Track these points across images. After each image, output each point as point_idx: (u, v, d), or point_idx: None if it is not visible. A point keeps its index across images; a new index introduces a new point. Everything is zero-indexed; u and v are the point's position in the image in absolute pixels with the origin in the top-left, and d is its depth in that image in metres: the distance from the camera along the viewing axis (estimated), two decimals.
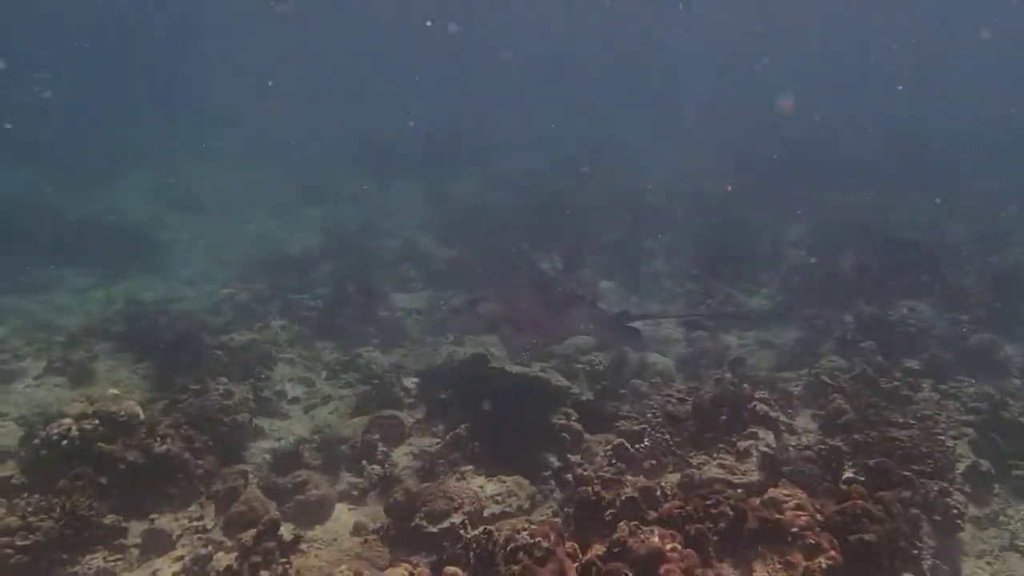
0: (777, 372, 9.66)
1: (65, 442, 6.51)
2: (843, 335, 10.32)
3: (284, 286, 14.17)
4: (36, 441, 6.68)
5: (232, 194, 24.09)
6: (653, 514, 5.14)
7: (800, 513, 5.22)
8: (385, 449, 7.14)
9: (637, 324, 8.39)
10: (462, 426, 7.10)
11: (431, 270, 15.44)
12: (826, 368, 8.59)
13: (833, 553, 4.67)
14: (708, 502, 5.25)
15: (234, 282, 14.89)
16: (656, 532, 4.72)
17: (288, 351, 10.81)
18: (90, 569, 5.45)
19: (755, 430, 6.91)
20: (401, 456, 7.11)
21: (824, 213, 18.10)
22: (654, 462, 6.58)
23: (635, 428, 6.96)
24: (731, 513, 5.18)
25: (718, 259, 14.45)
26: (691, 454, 6.74)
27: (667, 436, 6.80)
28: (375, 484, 6.69)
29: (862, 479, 5.98)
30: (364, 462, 6.93)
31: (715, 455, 6.66)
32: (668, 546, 4.60)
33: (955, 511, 6.11)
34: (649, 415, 7.27)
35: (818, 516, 5.21)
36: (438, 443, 7.16)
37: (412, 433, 7.55)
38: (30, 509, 5.61)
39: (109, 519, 5.82)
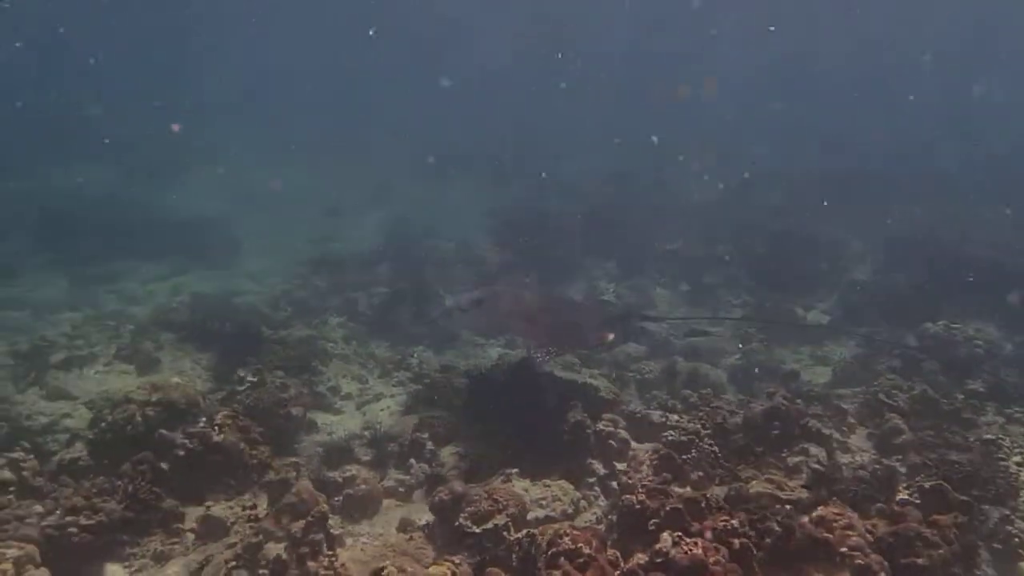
0: (832, 389, 9.45)
1: (129, 427, 6.80)
2: (904, 353, 10.04)
3: (342, 284, 14.47)
4: (103, 425, 7.00)
5: (295, 192, 24.68)
6: (697, 526, 5.10)
7: (850, 533, 5.13)
8: (433, 448, 7.23)
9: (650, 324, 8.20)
10: (509, 428, 7.14)
11: (483, 273, 15.56)
12: (884, 386, 8.36)
13: None
14: (754, 517, 5.19)
15: (294, 278, 15.27)
16: (700, 544, 4.69)
17: (343, 348, 11.03)
18: (148, 551, 5.67)
19: (807, 446, 6.80)
20: (448, 456, 7.19)
21: (896, 226, 17.61)
22: (701, 474, 6.52)
23: (683, 439, 6.89)
24: (778, 529, 5.11)
25: (776, 270, 14.21)
26: (739, 467, 6.66)
27: (715, 448, 6.73)
28: (422, 482, 6.79)
29: (917, 502, 5.83)
30: (412, 460, 7.05)
31: (764, 470, 6.56)
32: (711, 559, 4.56)
33: (1017, 539, 5.90)
34: (698, 426, 7.20)
35: (869, 537, 5.10)
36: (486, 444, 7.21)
37: (460, 433, 7.62)
38: (95, 490, 5.87)
39: (167, 504, 6.04)
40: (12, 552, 5.00)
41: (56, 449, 7.06)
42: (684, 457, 6.58)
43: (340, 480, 6.41)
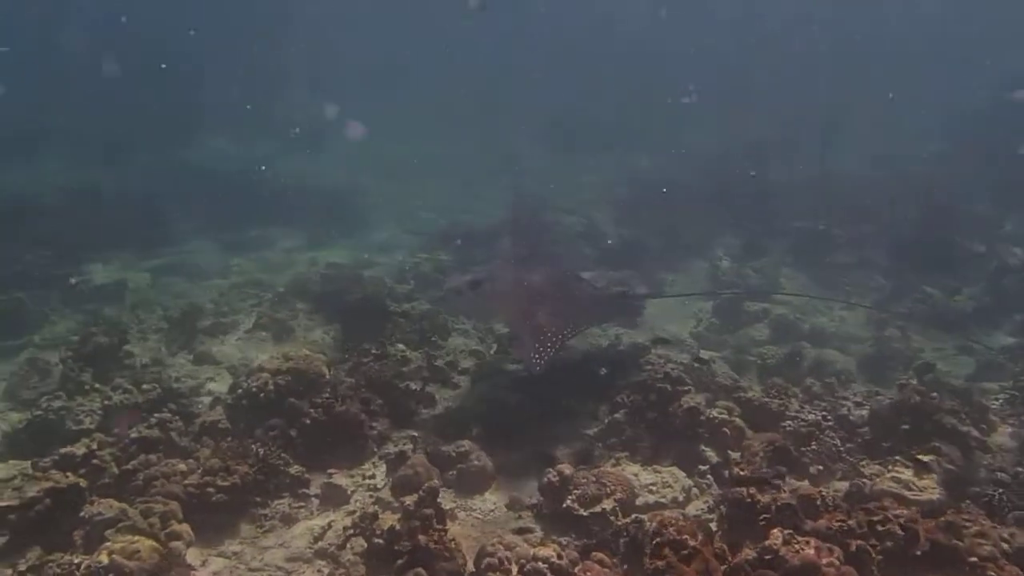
0: (974, 382, 8.79)
1: (262, 394, 7.27)
2: None
3: (465, 257, 14.75)
4: (239, 391, 7.52)
5: (424, 164, 25.28)
6: (811, 524, 4.93)
7: (982, 541, 4.81)
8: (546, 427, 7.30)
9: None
10: (621, 411, 7.12)
11: (604, 248, 15.45)
12: None
13: None
14: (875, 518, 4.96)
15: (420, 251, 15.71)
16: (812, 544, 4.53)
17: (464, 323, 11.28)
18: (277, 513, 6.07)
19: (939, 444, 6.40)
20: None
21: None
22: (820, 468, 6.28)
23: (803, 430, 6.64)
24: (900, 532, 4.86)
25: (917, 251, 13.30)
26: (863, 463, 6.37)
27: (837, 441, 6.45)
28: (532, 461, 6.87)
29: None
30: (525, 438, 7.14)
31: (890, 467, 6.25)
32: (824, 560, 4.40)
33: None
34: (819, 417, 6.92)
35: (1004, 547, 4.77)
36: (596, 426, 7.22)
37: (573, 414, 7.66)
38: (230, 453, 6.33)
39: (295, 469, 6.44)
40: (159, 508, 5.48)
41: (199, 411, 7.61)
42: (802, 449, 6.36)
43: (454, 455, 6.60)
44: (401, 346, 8.99)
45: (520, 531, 5.68)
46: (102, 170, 20.82)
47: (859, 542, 4.65)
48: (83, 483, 5.72)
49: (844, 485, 6.06)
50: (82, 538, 5.29)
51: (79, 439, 6.46)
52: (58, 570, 4.71)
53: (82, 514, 5.41)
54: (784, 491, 5.31)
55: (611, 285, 9.22)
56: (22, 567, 4.95)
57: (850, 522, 4.82)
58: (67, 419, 7.16)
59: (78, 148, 22.15)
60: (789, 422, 6.91)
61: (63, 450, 6.26)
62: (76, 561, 4.78)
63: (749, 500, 5.17)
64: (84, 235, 14.74)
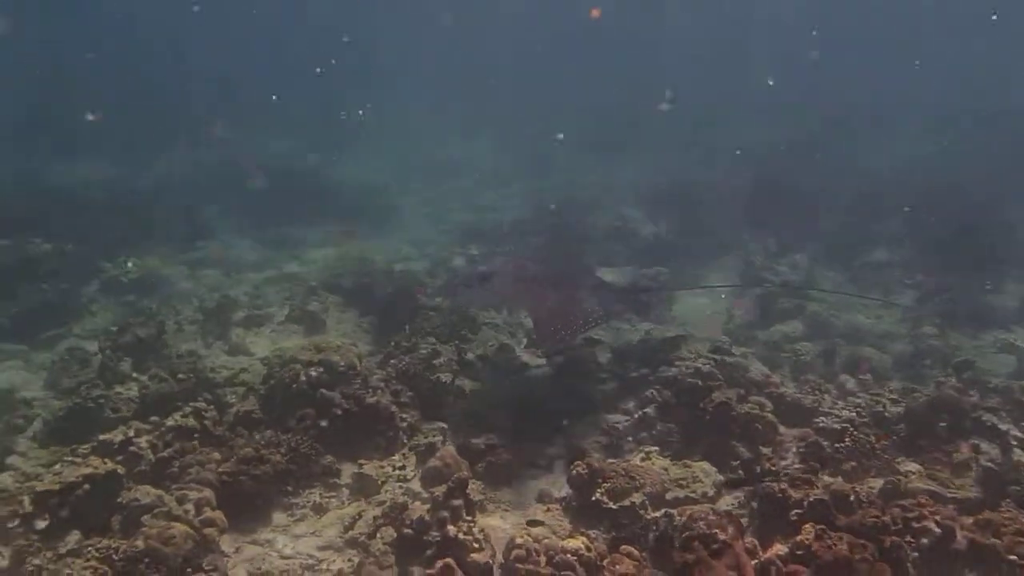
0: (1017, 380, 8.59)
1: (295, 385, 7.35)
2: None
3: (496, 253, 14.76)
4: (272, 382, 7.61)
5: (456, 163, 25.35)
6: (844, 520, 4.87)
7: (1021, 540, 4.72)
8: (575, 421, 7.29)
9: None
10: (651, 406, 7.08)
11: (636, 246, 15.36)
12: None
13: None
14: (910, 515, 4.89)
15: (451, 247, 15.77)
16: (846, 540, 4.48)
17: (494, 316, 11.29)
18: (308, 502, 6.15)
19: (978, 442, 6.28)
20: (590, 430, 7.23)
21: None
22: (854, 464, 6.18)
23: (836, 426, 6.55)
24: (936, 530, 4.80)
25: (956, 249, 13.02)
26: (898, 461, 6.26)
27: (872, 438, 6.34)
28: (561, 454, 6.87)
29: None
30: (553, 430, 7.15)
31: (927, 465, 6.14)
32: (857, 556, 4.35)
33: None
34: (854, 413, 6.82)
35: None
36: (626, 420, 7.20)
37: (601, 408, 7.64)
38: (263, 443, 6.42)
39: (326, 459, 6.51)
40: (193, 495, 5.59)
41: (233, 401, 7.71)
42: (836, 446, 6.27)
43: (483, 447, 6.61)
44: (432, 339, 9.03)
45: (549, 523, 5.67)
46: (141, 165, 21.23)
47: (894, 538, 4.59)
48: (121, 470, 5.85)
49: (879, 482, 5.96)
50: (120, 523, 5.41)
51: (117, 426, 6.60)
52: (97, 554, 4.82)
53: (120, 500, 5.53)
54: (817, 487, 5.25)
55: (634, 280, 9.14)
56: (63, 550, 5.08)
57: (885, 518, 4.75)
58: (105, 407, 7.31)
59: (119, 144, 22.57)
60: (822, 418, 6.82)
61: (101, 437, 6.41)
62: (114, 545, 4.89)
63: (780, 495, 5.12)
64: (124, 229, 15.02)
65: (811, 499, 4.96)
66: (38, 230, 13.56)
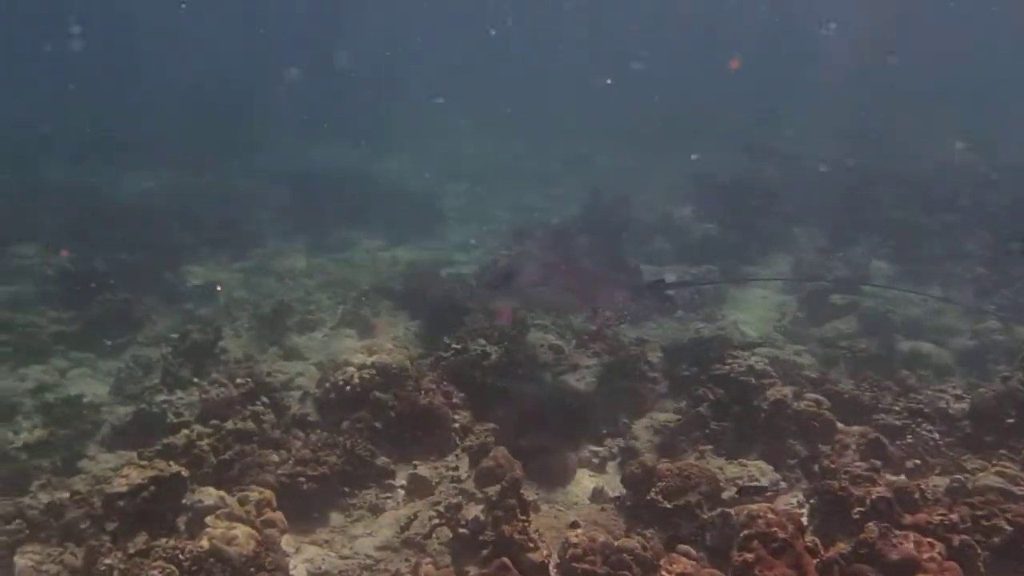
0: None
1: (348, 388, 7.45)
2: None
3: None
4: (327, 385, 7.72)
5: (500, 164, 25.45)
6: (909, 518, 4.75)
7: None
8: (626, 421, 7.27)
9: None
10: (704, 404, 7.01)
11: (684, 244, 15.22)
12: None
13: None
14: (980, 512, 4.74)
15: (497, 248, 15.81)
16: (911, 538, 4.36)
17: (542, 317, 11.29)
18: (364, 502, 6.23)
19: None
20: (641, 429, 7.19)
21: None
22: (918, 462, 6.02)
23: (897, 423, 6.39)
24: (1008, 528, 4.64)
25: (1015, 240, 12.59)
26: (964, 458, 6.08)
27: (935, 435, 6.18)
28: (615, 454, 6.86)
29: None
30: (604, 431, 7.13)
31: (994, 462, 5.94)
32: (926, 555, 4.23)
33: None
34: (916, 410, 6.64)
35: None
36: (679, 419, 7.14)
37: (653, 407, 7.59)
38: (320, 444, 6.54)
39: (381, 461, 6.59)
40: (254, 496, 5.71)
41: (290, 404, 7.87)
42: (898, 443, 6.12)
43: (535, 447, 6.63)
44: (481, 340, 9.07)
45: (604, 523, 5.65)
46: (197, 174, 21.80)
47: (963, 537, 4.46)
48: (184, 472, 6.00)
49: (944, 480, 5.80)
50: (185, 524, 5.56)
51: (179, 430, 6.78)
52: (164, 554, 4.95)
53: (184, 501, 5.69)
54: (879, 484, 5.13)
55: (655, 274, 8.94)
56: (132, 550, 5.24)
57: (952, 516, 4.62)
58: (168, 412, 7.52)
59: (178, 154, 23.21)
60: (882, 415, 6.66)
61: (165, 440, 6.59)
62: (180, 546, 5.02)
63: (842, 493, 5.02)
64: (182, 237, 15.46)
65: (874, 497, 4.85)
66: (104, 241, 14.09)
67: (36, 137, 23.89)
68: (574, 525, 5.35)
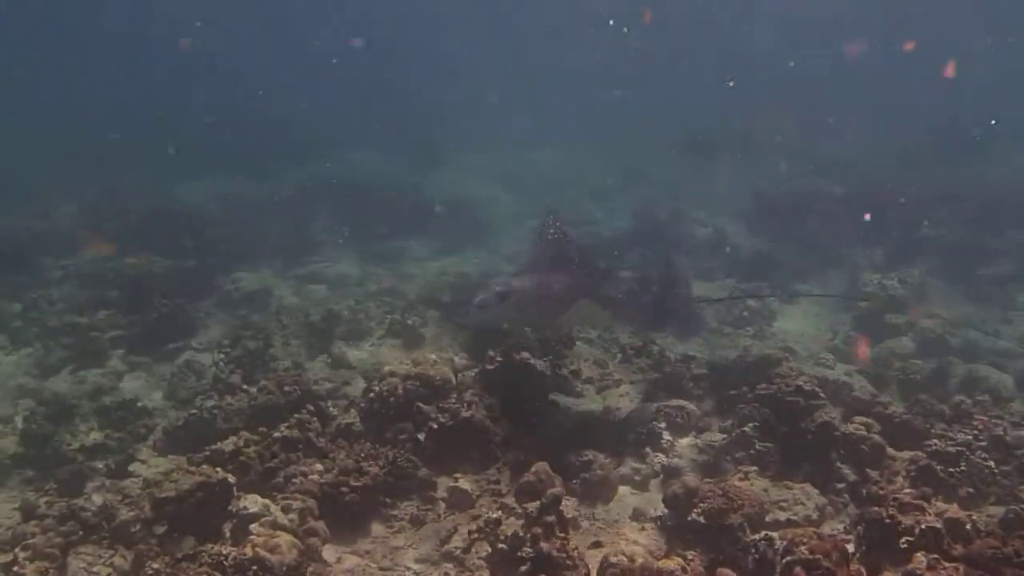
0: None
1: (392, 399, 7.53)
2: None
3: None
4: (371, 395, 7.81)
5: (553, 176, 25.47)
6: (960, 549, 4.60)
7: None
8: (670, 439, 7.19)
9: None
10: (750, 424, 6.89)
11: (736, 259, 15.02)
12: None
13: None
14: None
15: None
16: (961, 571, 4.24)
17: (588, 331, 11.25)
18: (406, 514, 6.27)
19: None
20: (685, 448, 7.11)
21: None
22: (971, 490, 5.83)
23: (950, 449, 6.19)
24: None
25: None
26: (1020, 488, 5.86)
27: (991, 463, 5.97)
28: (657, 472, 6.78)
29: None
30: (647, 449, 7.06)
31: None
32: None
33: None
34: (971, 437, 6.43)
35: None
36: (723, 439, 7.04)
37: (698, 426, 7.50)
38: (363, 455, 6.61)
39: (422, 472, 6.63)
40: (297, 504, 5.81)
41: (336, 414, 7.97)
42: (950, 470, 5.93)
43: (577, 464, 6.60)
44: (526, 354, 9.08)
45: (644, 543, 5.60)
46: (254, 184, 22.39)
47: (1016, 571, 4.30)
48: (231, 478, 6.15)
49: (999, 510, 5.60)
50: (230, 530, 5.68)
51: (228, 436, 6.94)
52: (210, 560, 5.07)
53: (230, 508, 5.82)
54: (929, 513, 4.98)
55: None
56: (178, 555, 5.38)
57: (1006, 549, 4.46)
58: (218, 417, 7.70)
59: (234, 162, 23.88)
60: (935, 441, 6.46)
61: (213, 446, 6.75)
62: (225, 552, 5.13)
63: (890, 521, 4.88)
64: (237, 245, 15.87)
65: (923, 526, 4.71)
66: (165, 246, 14.55)
67: (107, 141, 24.98)
68: (628, 541, 5.32)
